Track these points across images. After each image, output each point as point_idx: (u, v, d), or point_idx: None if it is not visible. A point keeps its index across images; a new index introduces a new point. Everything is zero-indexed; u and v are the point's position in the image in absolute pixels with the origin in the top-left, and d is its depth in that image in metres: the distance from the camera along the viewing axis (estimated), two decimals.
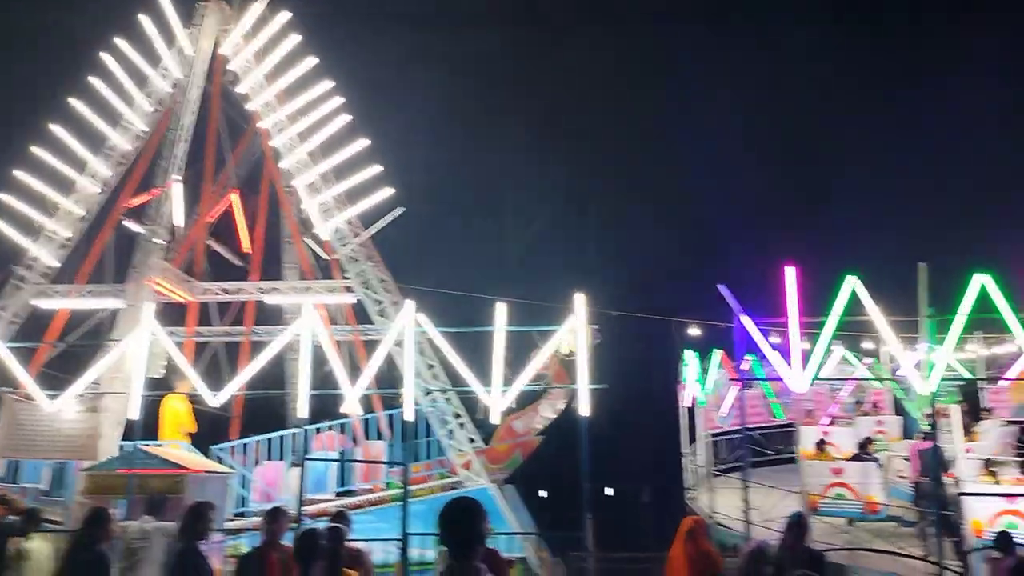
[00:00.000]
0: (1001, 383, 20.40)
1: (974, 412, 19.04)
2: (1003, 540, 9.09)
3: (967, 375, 17.61)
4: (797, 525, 9.06)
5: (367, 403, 17.98)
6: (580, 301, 10.28)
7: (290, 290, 20.16)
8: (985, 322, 9.79)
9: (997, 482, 12.52)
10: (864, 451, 15.70)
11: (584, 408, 10.04)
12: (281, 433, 18.70)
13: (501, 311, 10.25)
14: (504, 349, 10.15)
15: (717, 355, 18.90)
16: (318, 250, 20.29)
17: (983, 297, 8.78)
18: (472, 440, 18.07)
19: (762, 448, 19.82)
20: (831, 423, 19.19)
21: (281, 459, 18.16)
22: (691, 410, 19.88)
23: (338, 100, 19.06)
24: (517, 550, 16.38)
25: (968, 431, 15.65)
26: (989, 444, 17.21)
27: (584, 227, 41.13)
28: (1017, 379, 18.42)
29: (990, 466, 13.02)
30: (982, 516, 11.49)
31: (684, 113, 41.77)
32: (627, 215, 40.42)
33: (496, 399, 10.02)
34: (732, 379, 18.09)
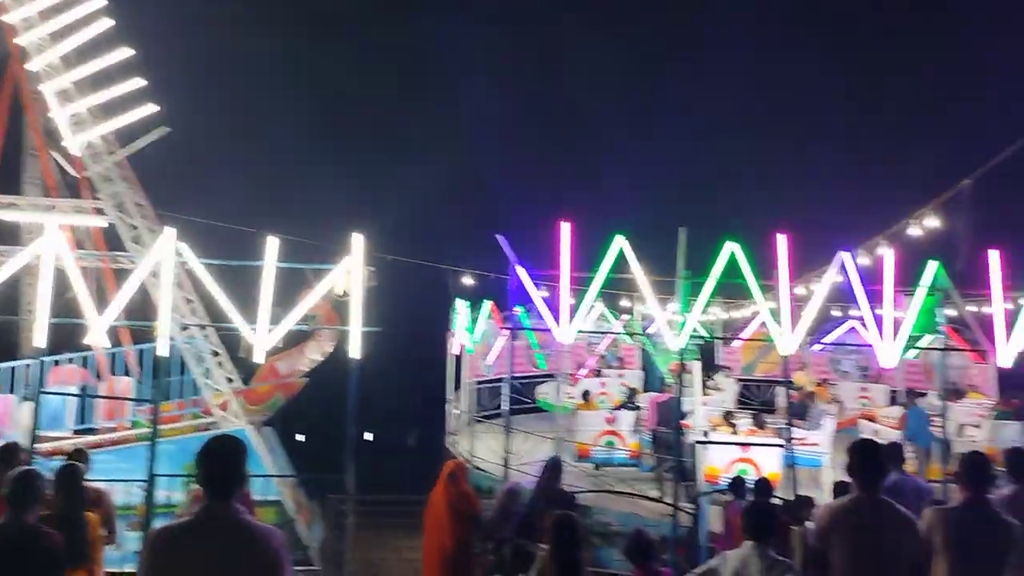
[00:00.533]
0: (735, 344, 22.63)
1: (709, 369, 21.00)
2: (735, 485, 10.05)
3: (706, 335, 19.34)
4: (552, 468, 9.53)
5: (114, 336, 16.70)
6: (358, 241, 10.01)
7: (31, 207, 18.09)
8: (728, 287, 10.65)
9: (735, 432, 13.83)
10: (631, 401, 16.87)
11: (355, 351, 9.85)
12: (13, 364, 16.89)
13: (272, 246, 9.76)
14: (273, 286, 9.69)
15: (487, 305, 19.37)
16: (66, 166, 18.30)
17: (732, 263, 9.55)
18: (231, 380, 17.27)
19: (522, 396, 20.60)
20: (588, 375, 20.41)
21: (12, 392, 16.41)
22: (459, 358, 20.27)
23: (101, 1, 17.05)
24: (273, 493, 16.01)
25: (704, 386, 17.19)
26: (722, 398, 19.05)
27: (366, 166, 40.38)
28: (751, 339, 20.52)
29: (729, 418, 14.34)
30: (719, 463, 12.71)
31: (468, 66, 41.98)
32: (410, 160, 40.22)
33: (262, 338, 9.57)
34: (501, 328, 18.63)
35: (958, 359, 19.13)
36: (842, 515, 4.94)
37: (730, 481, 10.68)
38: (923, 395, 17.36)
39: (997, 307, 9.90)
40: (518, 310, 15.10)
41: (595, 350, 22.13)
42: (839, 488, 8.73)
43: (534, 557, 5.89)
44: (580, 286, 10.67)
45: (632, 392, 17.53)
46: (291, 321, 9.86)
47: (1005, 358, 9.90)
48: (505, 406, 18.42)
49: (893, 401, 20.81)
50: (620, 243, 9.86)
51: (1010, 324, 9.79)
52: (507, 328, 16.14)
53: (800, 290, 16.67)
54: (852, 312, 21.45)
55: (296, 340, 16.74)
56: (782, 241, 9.70)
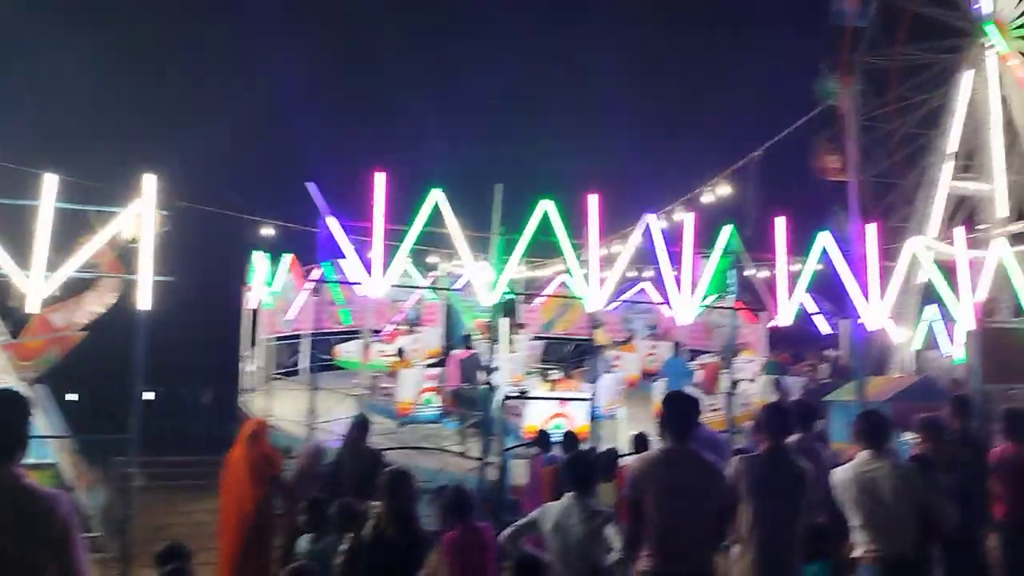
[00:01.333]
0: (537, 301, 23.22)
1: (511, 326, 21.43)
2: (541, 438, 10.27)
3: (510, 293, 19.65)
4: (359, 426, 9.32)
5: None
6: (150, 183, 9.16)
7: None
8: (533, 246, 10.79)
9: (552, 388, 14.12)
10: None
11: (144, 302, 9.06)
12: None
13: (51, 184, 8.72)
14: (51, 229, 8.68)
15: (287, 258, 18.56)
16: None
17: (545, 221, 9.66)
18: None
19: (323, 354, 20.02)
20: (394, 334, 20.11)
21: None
22: (255, 312, 19.36)
23: None
24: (48, 456, 14.57)
25: (509, 343, 17.49)
26: (523, 355, 19.47)
27: (162, 104, 37.41)
28: (556, 295, 21.12)
29: (546, 375, 14.63)
30: (537, 419, 12.93)
31: (280, 8, 39.92)
32: (212, 102, 37.74)
33: (37, 286, 8.57)
34: (303, 281, 17.92)
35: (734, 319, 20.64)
36: (655, 465, 5.12)
37: (536, 435, 10.91)
38: (683, 349, 18.83)
39: (781, 270, 10.69)
40: (319, 268, 14.52)
41: (401, 307, 21.86)
42: (638, 440, 9.15)
43: (363, 515, 5.70)
44: (392, 241, 10.42)
45: (466, 337, 17.42)
46: (71, 268, 8.91)
47: (785, 317, 10.74)
48: (305, 363, 17.86)
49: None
50: (436, 197, 9.70)
51: (791, 286, 10.62)
52: (314, 281, 15.52)
53: (602, 251, 17.25)
54: (645, 274, 22.65)
55: (75, 290, 15.23)
56: (593, 201, 9.92)
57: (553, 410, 13.15)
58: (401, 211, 10.36)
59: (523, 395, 12.86)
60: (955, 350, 16.72)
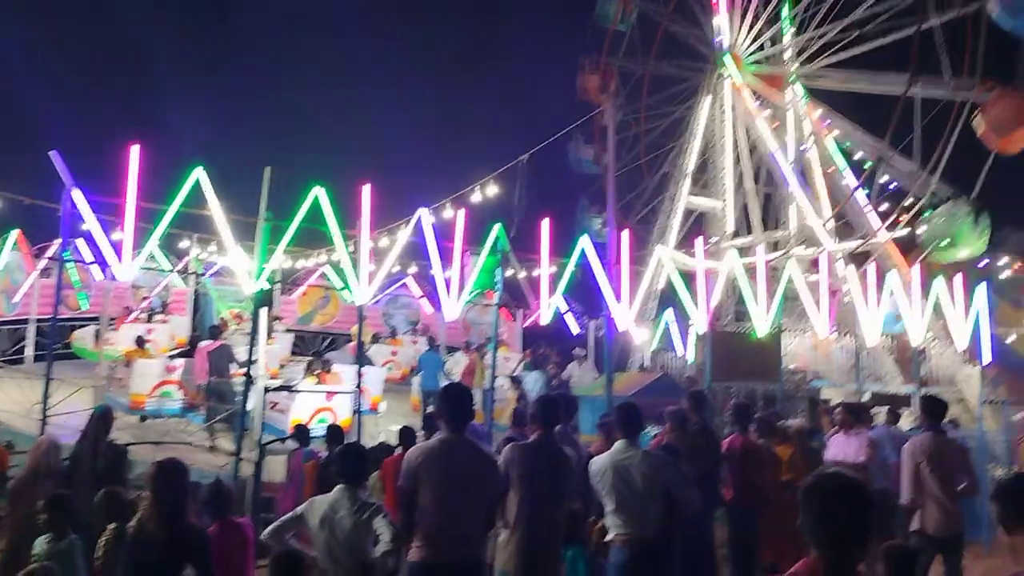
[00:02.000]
0: (297, 292, 22.56)
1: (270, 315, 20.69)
2: (300, 432, 9.95)
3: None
4: (100, 419, 8.59)
5: None
6: None
7: None
8: (299, 235, 10.46)
9: (319, 382, 13.66)
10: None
11: None
12: None
13: None
14: None
15: (14, 234, 16.65)
16: None
17: (316, 208, 9.39)
18: None
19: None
20: (136, 321, 18.64)
21: None
22: None
23: None
24: None
25: (268, 335, 16.83)
26: (281, 348, 18.85)
27: None
28: (321, 286, 20.60)
29: (314, 367, 14.14)
30: (303, 413, 12.43)
31: None
32: None
33: None
34: (33, 261, 16.14)
35: (490, 317, 21.31)
36: (433, 454, 5.15)
37: (293, 429, 10.58)
38: (437, 344, 19.27)
39: (545, 270, 11.17)
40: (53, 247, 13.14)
41: (144, 293, 20.31)
42: (404, 433, 9.16)
43: (131, 507, 5.23)
44: (144, 222, 9.65)
45: (220, 324, 16.34)
46: None
47: (545, 315, 11.23)
48: (30, 350, 16.11)
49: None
50: (198, 175, 9.10)
51: (552, 285, 11.12)
52: (51, 259, 13.98)
53: (369, 243, 17.07)
54: (409, 269, 22.73)
55: None
56: (366, 191, 9.78)
57: (319, 404, 12.82)
58: (156, 191, 9.63)
59: (288, 388, 12.39)
60: (688, 350, 18.34)
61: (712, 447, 7.96)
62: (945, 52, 23.21)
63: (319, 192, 9.38)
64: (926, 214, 23.28)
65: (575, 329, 19.71)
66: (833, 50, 27.97)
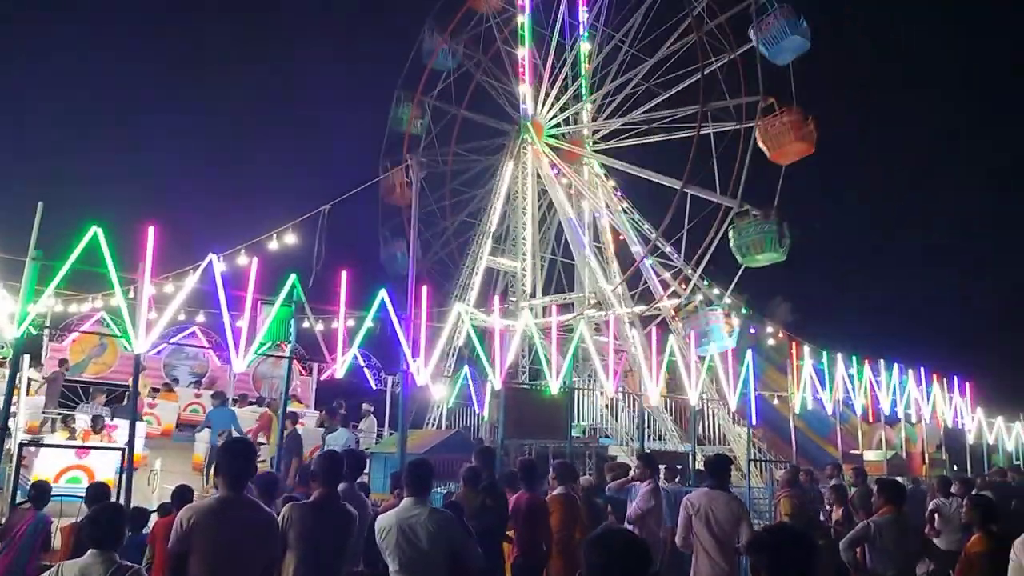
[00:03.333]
0: (72, 338, 20.76)
1: (36, 363, 18.90)
2: (39, 492, 8.85)
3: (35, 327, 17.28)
4: None
5: None
6: None
7: None
8: (74, 278, 9.66)
9: (71, 437, 12.46)
10: None
11: None
12: None
13: None
14: None
15: None
16: None
17: (94, 249, 8.70)
18: None
19: None
20: None
21: None
22: None
23: None
24: None
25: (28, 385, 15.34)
26: (37, 400, 17.17)
27: None
28: (98, 332, 18.99)
29: (69, 422, 12.91)
30: (49, 471, 11.23)
31: None
32: None
33: None
34: None
35: (282, 370, 20.60)
36: (209, 515, 4.83)
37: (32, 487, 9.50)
38: (226, 399, 18.42)
39: (342, 323, 10.95)
40: None
41: None
42: (179, 493, 8.58)
43: None
44: None
45: None
46: None
47: (342, 368, 10.98)
48: None
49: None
50: None
51: (349, 338, 10.92)
52: None
53: (151, 289, 16.02)
54: (198, 319, 21.54)
55: None
56: (150, 233, 9.20)
57: (70, 461, 11.66)
58: None
59: (37, 443, 11.25)
60: (484, 407, 18.53)
61: (499, 504, 8.03)
62: (715, 160, 26.27)
63: (96, 231, 8.71)
64: (735, 225, 25.51)
65: (372, 384, 19.42)
66: (624, 136, 30.38)
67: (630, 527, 8.52)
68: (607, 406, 24.20)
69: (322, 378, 23.34)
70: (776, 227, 25.15)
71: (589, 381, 22.91)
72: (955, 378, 25.90)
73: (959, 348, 42.78)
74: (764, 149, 25.60)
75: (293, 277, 10.31)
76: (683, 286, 27.25)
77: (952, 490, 11.99)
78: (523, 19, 31.74)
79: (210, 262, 9.74)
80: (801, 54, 25.56)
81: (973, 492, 9.43)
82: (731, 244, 25.58)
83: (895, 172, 70.56)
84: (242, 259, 12.23)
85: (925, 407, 23.53)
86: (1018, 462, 27.17)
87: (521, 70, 31.55)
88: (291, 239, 14.28)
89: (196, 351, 23.93)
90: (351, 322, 11.75)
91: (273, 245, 14.06)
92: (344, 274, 10.95)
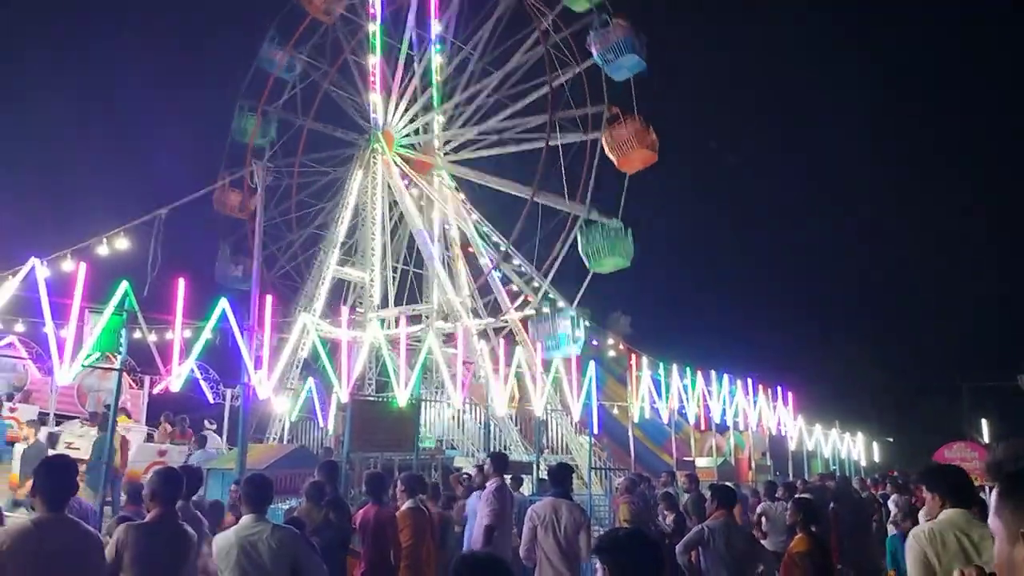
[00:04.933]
0: None
1: None
2: None
3: None
4: None
5: None
6: None
7: None
8: None
9: None
10: None
11: None
12: None
13: None
14: None
15: None
16: None
17: None
18: None
19: None
20: None
21: None
22: None
23: None
24: None
25: None
26: None
27: None
28: None
29: None
30: None
31: None
32: None
33: None
34: None
35: (110, 383, 19.45)
36: (25, 538, 4.49)
37: None
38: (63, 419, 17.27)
39: (178, 333, 10.45)
40: None
41: None
42: None
43: None
44: None
45: None
46: None
47: (178, 382, 10.48)
48: None
49: (43, 423, 19.83)
50: None
51: (184, 351, 10.44)
52: None
53: None
54: (15, 327, 19.96)
55: None
56: None
57: None
58: None
59: None
60: (329, 420, 18.17)
61: (344, 519, 7.89)
62: (564, 171, 27.12)
63: None
64: (583, 230, 26.24)
65: (210, 397, 18.58)
66: (475, 147, 30.79)
67: (482, 539, 8.37)
68: (454, 418, 24.28)
69: (155, 391, 22.13)
70: (622, 233, 26.18)
71: (437, 393, 22.91)
72: (779, 388, 27.66)
73: (783, 361, 45.78)
74: (611, 157, 26.62)
75: (125, 284, 9.74)
76: (532, 296, 27.81)
77: (777, 494, 12.84)
78: (373, 27, 31.44)
79: (32, 267, 9.07)
80: (638, 72, 26.67)
81: (796, 496, 10.10)
82: (579, 249, 26.37)
83: (734, 192, 74.84)
84: (68, 264, 11.42)
85: (752, 415, 24.98)
86: (834, 467, 29.30)
87: (372, 79, 31.25)
88: (123, 244, 13.49)
89: (14, 362, 22.14)
90: (188, 333, 11.24)
91: (103, 250, 13.24)
92: (181, 282, 10.47)
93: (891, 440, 46.68)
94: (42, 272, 9.11)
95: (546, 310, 26.73)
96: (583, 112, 27.94)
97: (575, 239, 26.51)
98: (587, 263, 26.44)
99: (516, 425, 25.13)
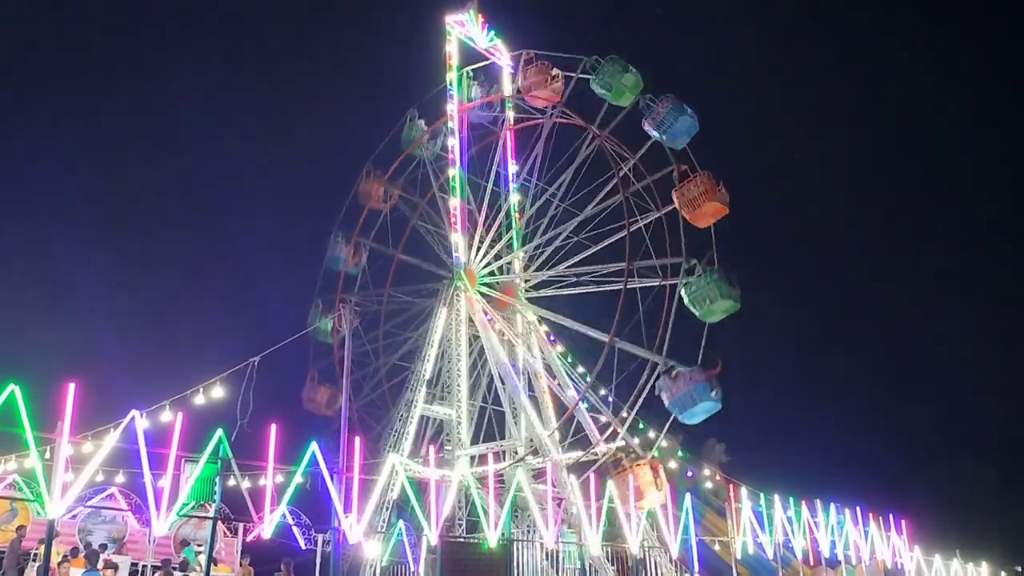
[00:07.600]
0: None
1: None
2: None
3: None
4: None
5: None
6: None
7: None
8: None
9: None
10: None
11: None
12: None
13: None
14: None
15: None
16: None
17: (10, 408, 8.34)
18: None
19: None
20: None
21: None
22: None
23: None
24: None
25: None
26: None
27: None
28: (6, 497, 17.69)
29: None
30: None
31: None
32: None
33: None
34: None
35: (205, 531, 19.51)
36: None
37: None
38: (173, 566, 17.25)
39: (270, 479, 10.53)
40: None
41: None
42: None
43: None
44: None
45: None
46: None
47: (269, 528, 10.47)
48: None
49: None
50: None
51: (276, 496, 10.48)
52: None
53: (69, 449, 15.24)
54: (116, 478, 20.49)
55: None
56: (70, 391, 8.87)
57: None
58: None
59: None
60: (420, 564, 17.76)
61: None
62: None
63: (13, 389, 8.36)
64: (685, 281, 25.66)
65: (302, 543, 18.48)
66: (555, 287, 31.23)
67: None
68: (547, 557, 23.47)
69: (248, 539, 22.18)
70: (724, 277, 25.59)
71: (528, 532, 22.27)
72: (891, 516, 25.99)
73: (896, 482, 43.19)
74: (683, 215, 26.48)
75: (219, 432, 9.96)
76: (619, 426, 27.13)
77: None
78: (454, 172, 32.72)
79: (132, 419, 9.38)
80: (693, 135, 27.04)
81: None
82: (685, 301, 25.69)
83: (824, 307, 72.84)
84: (166, 415, 11.79)
85: (864, 547, 23.42)
86: None
87: (453, 220, 32.27)
88: (218, 392, 13.90)
89: (114, 514, 22.60)
90: (280, 477, 11.32)
91: (199, 399, 13.65)
92: (273, 427, 10.63)
93: (1020, 570, 42.86)
94: (141, 424, 9.40)
95: (626, 459, 25.56)
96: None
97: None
98: (696, 312, 25.60)
99: (612, 565, 24.11)
